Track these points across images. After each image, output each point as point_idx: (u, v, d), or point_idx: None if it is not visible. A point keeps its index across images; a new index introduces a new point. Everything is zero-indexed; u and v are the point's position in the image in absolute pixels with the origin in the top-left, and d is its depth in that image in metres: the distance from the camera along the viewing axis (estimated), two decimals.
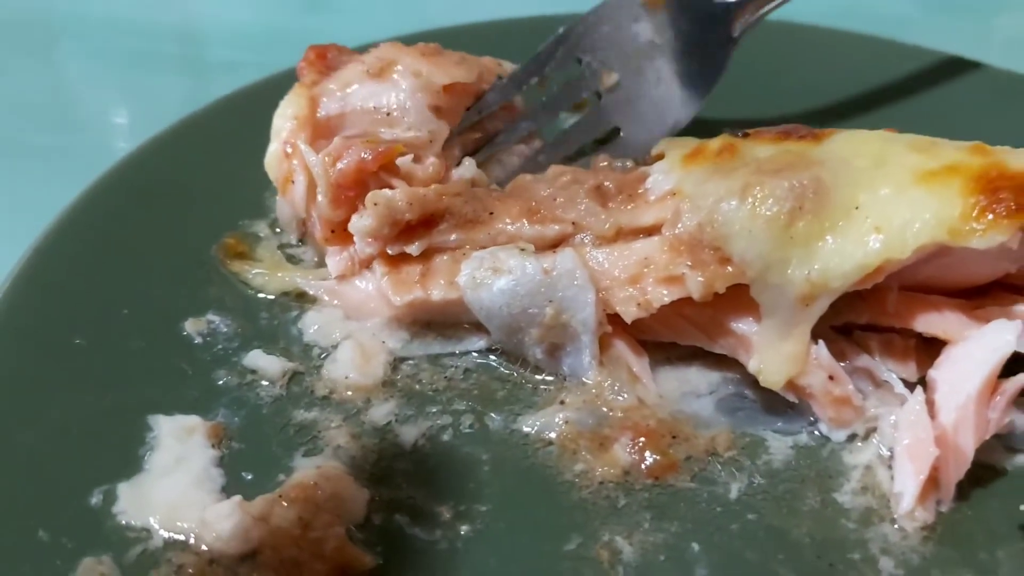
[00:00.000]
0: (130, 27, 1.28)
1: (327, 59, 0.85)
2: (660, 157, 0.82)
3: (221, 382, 0.72)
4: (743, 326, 0.72)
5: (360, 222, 0.74)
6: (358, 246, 0.75)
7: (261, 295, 0.79)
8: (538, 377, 0.74)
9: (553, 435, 0.70)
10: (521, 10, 1.07)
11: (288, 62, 1.03)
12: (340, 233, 0.78)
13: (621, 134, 0.90)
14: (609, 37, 0.89)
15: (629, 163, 0.84)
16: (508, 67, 0.88)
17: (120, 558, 0.60)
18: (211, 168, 0.87)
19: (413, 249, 0.74)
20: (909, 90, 1.02)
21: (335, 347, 0.74)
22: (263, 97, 0.91)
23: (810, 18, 1.29)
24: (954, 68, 1.03)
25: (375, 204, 0.73)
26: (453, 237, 0.75)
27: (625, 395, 0.72)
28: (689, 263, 0.71)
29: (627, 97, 0.90)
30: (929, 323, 0.73)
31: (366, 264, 0.76)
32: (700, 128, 0.95)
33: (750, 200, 0.70)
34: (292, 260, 0.82)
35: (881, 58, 1.06)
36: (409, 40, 0.88)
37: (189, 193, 0.84)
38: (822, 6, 1.24)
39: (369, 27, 1.24)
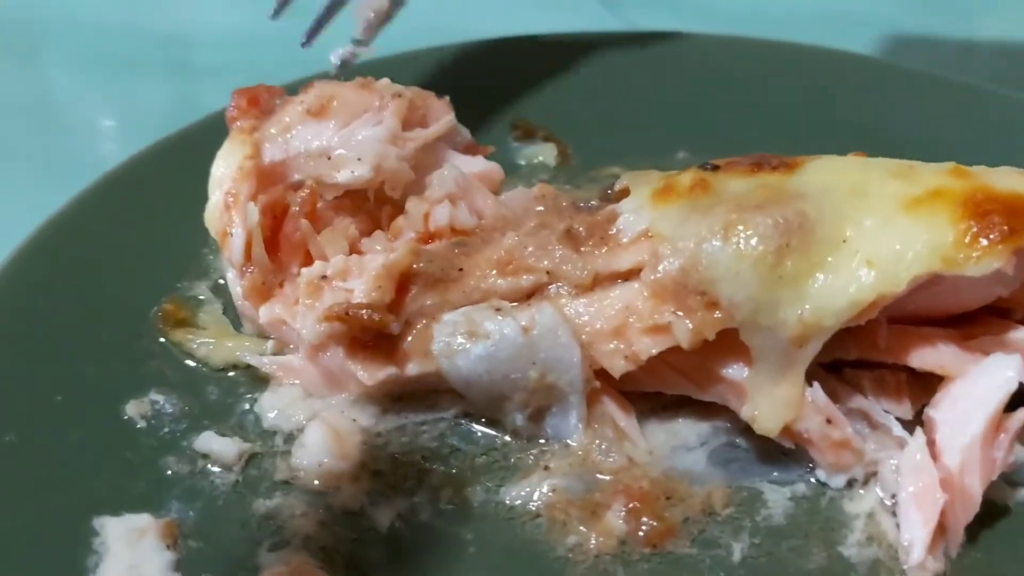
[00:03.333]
0: (116, 31, 1.25)
1: (261, 103, 0.78)
2: (624, 193, 0.77)
3: (170, 471, 0.65)
4: (733, 372, 0.68)
5: (315, 329, 0.67)
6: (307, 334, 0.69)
7: (207, 368, 0.72)
8: (518, 441, 0.69)
9: (540, 505, 0.65)
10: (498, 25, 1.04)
11: (273, 66, 1.02)
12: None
13: None
14: None
15: (593, 201, 0.79)
16: (435, 100, 0.82)
17: None
18: (139, 226, 0.80)
19: (394, 329, 0.68)
20: (865, 106, 0.99)
21: (300, 430, 0.68)
22: (189, 146, 0.85)
23: (790, 16, 1.28)
24: (911, 81, 1.01)
25: (331, 320, 0.67)
26: (428, 302, 0.69)
27: (614, 455, 0.67)
28: (674, 309, 0.67)
29: None
30: (923, 358, 0.70)
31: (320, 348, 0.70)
32: (656, 152, 0.92)
33: (734, 240, 0.66)
34: (237, 325, 0.75)
35: (833, 72, 1.03)
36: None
37: (119, 255, 0.77)
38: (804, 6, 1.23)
39: (352, 31, 1.21)
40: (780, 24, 1.22)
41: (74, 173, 0.88)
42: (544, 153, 0.95)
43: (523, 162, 0.94)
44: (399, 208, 0.77)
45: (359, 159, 0.74)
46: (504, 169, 0.84)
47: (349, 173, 0.74)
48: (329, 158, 0.75)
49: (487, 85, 0.98)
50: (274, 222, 0.74)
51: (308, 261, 0.73)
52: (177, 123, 1.07)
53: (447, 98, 0.81)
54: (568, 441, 0.68)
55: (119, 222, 0.79)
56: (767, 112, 0.98)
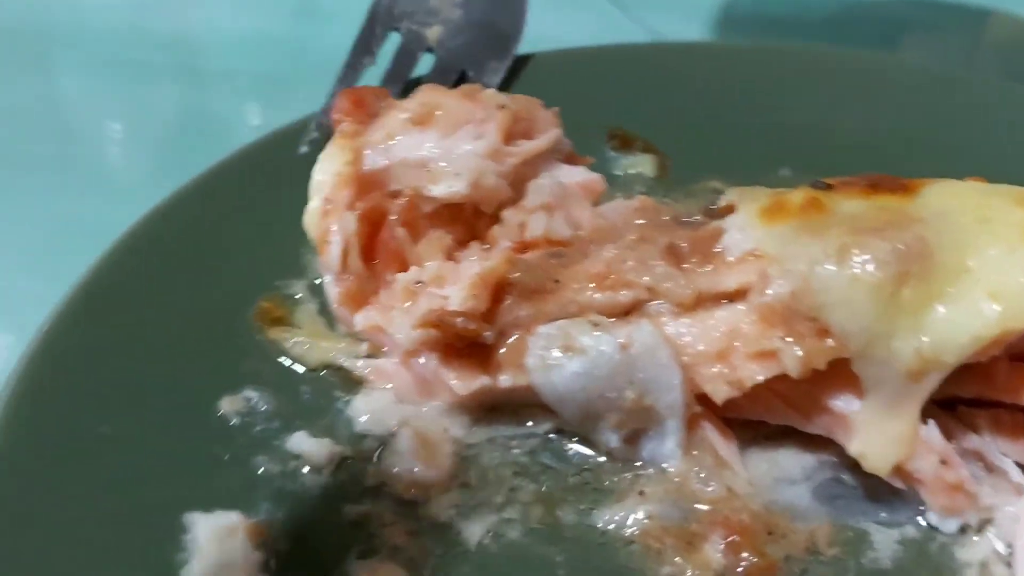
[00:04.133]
0: (124, 36, 1.25)
1: (366, 106, 0.77)
2: (730, 209, 0.74)
3: (262, 470, 0.64)
4: (842, 404, 0.65)
5: (409, 334, 0.66)
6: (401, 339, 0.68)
7: (301, 367, 0.71)
8: (612, 462, 0.67)
9: (635, 532, 0.63)
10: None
11: (282, 70, 1.06)
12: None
13: (470, 74, 0.91)
14: None
15: (696, 216, 0.77)
16: (542, 111, 0.80)
17: None
18: (240, 222, 0.79)
19: (488, 338, 0.66)
20: (980, 128, 0.95)
21: (391, 435, 0.67)
22: (293, 142, 0.85)
23: (805, 21, 1.24)
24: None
25: (425, 326, 0.66)
26: (523, 313, 0.67)
27: (713, 484, 0.65)
28: (783, 335, 0.64)
29: (461, 40, 0.91)
30: None
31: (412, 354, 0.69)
32: (758, 168, 0.89)
33: (849, 264, 0.63)
34: (333, 325, 0.75)
35: (945, 93, 0.98)
36: None
37: (219, 251, 0.77)
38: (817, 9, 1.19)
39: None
40: (794, 27, 1.18)
41: (83, 178, 0.90)
42: (642, 164, 0.93)
43: (620, 173, 0.92)
44: (497, 220, 0.76)
45: (457, 174, 0.73)
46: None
47: (446, 187, 0.73)
48: (428, 170, 0.73)
49: (585, 93, 0.96)
50: (371, 229, 0.73)
51: (404, 269, 0.72)
52: (186, 128, 1.09)
53: (556, 110, 0.79)
54: (665, 466, 0.66)
55: (220, 218, 0.79)
56: (876, 131, 0.94)
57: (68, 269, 0.79)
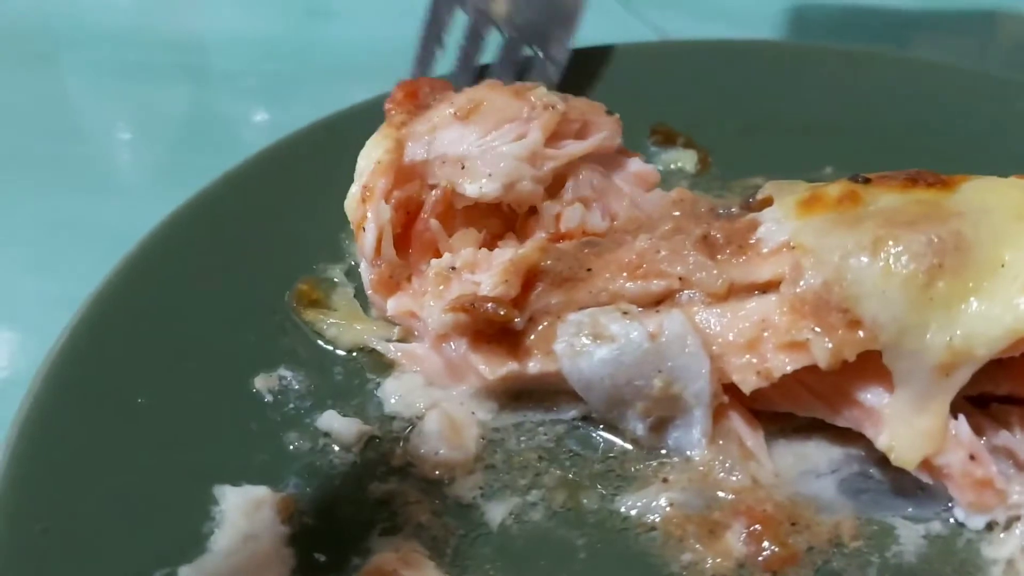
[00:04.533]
0: (130, 38, 1.27)
1: (418, 97, 0.78)
2: (767, 202, 0.74)
3: (292, 446, 0.66)
4: (871, 397, 0.64)
5: (440, 319, 0.67)
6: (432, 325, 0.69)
7: (335, 348, 0.73)
8: (637, 450, 0.67)
9: (656, 519, 0.63)
10: None
11: (289, 69, 1.07)
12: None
13: (540, 54, 0.91)
14: None
15: (734, 209, 0.76)
16: (602, 115, 0.80)
17: None
18: (281, 206, 0.81)
19: (517, 324, 0.67)
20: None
21: (419, 417, 0.68)
22: (339, 130, 0.86)
23: (815, 21, 1.23)
24: None
25: (456, 310, 0.67)
26: (554, 301, 0.68)
27: (737, 474, 0.65)
28: (813, 326, 0.64)
29: (526, 15, 0.90)
30: None
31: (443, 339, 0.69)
32: (802, 165, 0.89)
33: (883, 256, 0.63)
34: (367, 309, 0.76)
35: (993, 95, 0.96)
36: None
37: (260, 233, 0.79)
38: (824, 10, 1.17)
39: (370, 34, 1.22)
40: (796, 24, 1.17)
41: (88, 179, 0.92)
42: (684, 159, 0.93)
43: (662, 167, 0.92)
44: (535, 212, 0.76)
45: (491, 174, 0.73)
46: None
47: (478, 188, 0.73)
48: (464, 167, 0.74)
49: (629, 88, 0.96)
50: (407, 218, 0.74)
51: (438, 258, 0.73)
52: (193, 129, 1.10)
53: (617, 116, 0.78)
54: (690, 455, 0.66)
55: (262, 201, 0.80)
56: (922, 131, 0.93)
57: (74, 268, 0.81)
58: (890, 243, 0.63)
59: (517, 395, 0.70)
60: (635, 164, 0.80)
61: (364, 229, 0.73)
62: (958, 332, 0.61)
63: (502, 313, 0.67)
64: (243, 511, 0.60)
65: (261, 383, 0.69)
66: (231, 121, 1.13)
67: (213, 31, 1.30)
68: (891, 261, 0.62)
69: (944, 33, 1.28)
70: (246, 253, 0.77)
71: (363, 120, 0.83)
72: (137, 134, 1.12)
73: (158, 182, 1.02)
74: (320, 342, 0.73)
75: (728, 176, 0.91)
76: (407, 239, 0.74)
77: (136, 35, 1.27)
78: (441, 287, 0.70)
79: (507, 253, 0.71)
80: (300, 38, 1.26)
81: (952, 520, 0.64)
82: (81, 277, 0.72)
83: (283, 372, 0.70)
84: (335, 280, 0.77)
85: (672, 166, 0.92)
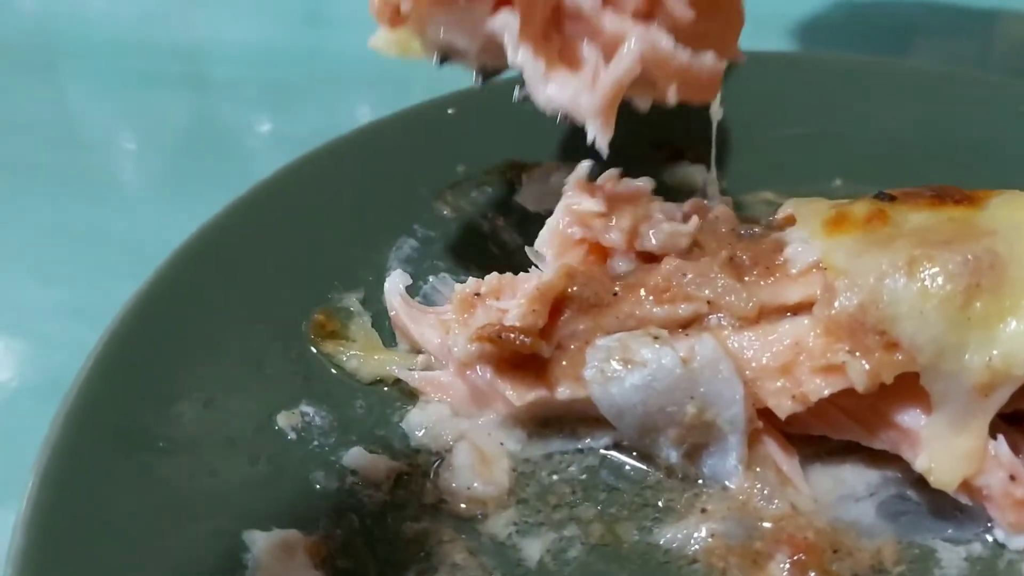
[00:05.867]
0: (132, 46, 1.26)
1: None
2: (790, 220, 0.73)
3: (319, 486, 0.64)
4: (909, 419, 0.64)
5: (466, 348, 0.66)
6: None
7: (356, 381, 0.71)
8: (672, 480, 0.66)
9: (698, 550, 0.62)
10: None
11: (291, 78, 1.08)
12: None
13: None
14: None
15: (756, 228, 0.75)
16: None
17: None
18: (292, 234, 0.79)
19: (544, 352, 0.66)
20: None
21: (447, 450, 0.66)
22: (342, 156, 0.85)
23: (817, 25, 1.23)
24: None
25: (482, 340, 0.65)
26: (581, 327, 0.66)
27: (776, 501, 0.63)
28: (849, 348, 0.63)
29: None
30: None
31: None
32: (811, 178, 0.88)
33: (919, 276, 0.62)
34: (386, 339, 0.74)
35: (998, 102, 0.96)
36: None
37: (273, 262, 0.76)
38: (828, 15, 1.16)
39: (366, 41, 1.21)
40: (797, 32, 1.17)
41: (92, 188, 0.92)
42: (693, 175, 0.92)
43: (671, 183, 0.91)
44: None
45: None
46: (652, 191, 0.81)
47: None
48: None
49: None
50: None
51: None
52: (195, 138, 1.10)
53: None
54: (726, 483, 0.65)
55: (272, 230, 0.78)
56: (931, 141, 0.93)
57: (80, 276, 0.81)
58: (926, 263, 0.62)
59: (545, 422, 0.68)
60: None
61: None
62: (996, 352, 0.61)
63: (528, 343, 0.65)
64: (275, 556, 0.58)
65: (284, 420, 0.67)
66: (233, 130, 1.13)
67: (215, 40, 1.30)
68: (928, 281, 0.62)
69: (943, 37, 1.29)
70: (258, 285, 0.74)
71: (362, 145, 0.81)
72: (141, 143, 1.11)
73: (162, 190, 1.02)
74: (339, 374, 0.71)
75: (736, 191, 0.90)
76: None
77: (137, 44, 1.26)
78: (464, 315, 0.69)
79: (532, 279, 0.69)
80: (299, 47, 1.25)
81: (992, 540, 0.63)
82: (87, 285, 0.71)
83: (305, 408, 0.68)
84: (352, 310, 0.75)
85: (682, 181, 0.91)
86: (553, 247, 0.72)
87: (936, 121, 0.94)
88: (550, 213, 0.76)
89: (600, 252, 0.71)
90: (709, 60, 0.68)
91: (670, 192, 0.88)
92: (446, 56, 0.72)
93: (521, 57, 0.65)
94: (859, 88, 0.98)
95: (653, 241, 0.70)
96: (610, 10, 0.66)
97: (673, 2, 0.66)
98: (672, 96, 0.68)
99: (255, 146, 1.06)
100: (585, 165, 0.74)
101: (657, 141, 0.93)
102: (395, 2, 0.66)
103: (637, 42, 0.65)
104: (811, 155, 0.93)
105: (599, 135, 0.66)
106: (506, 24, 0.65)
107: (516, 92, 0.70)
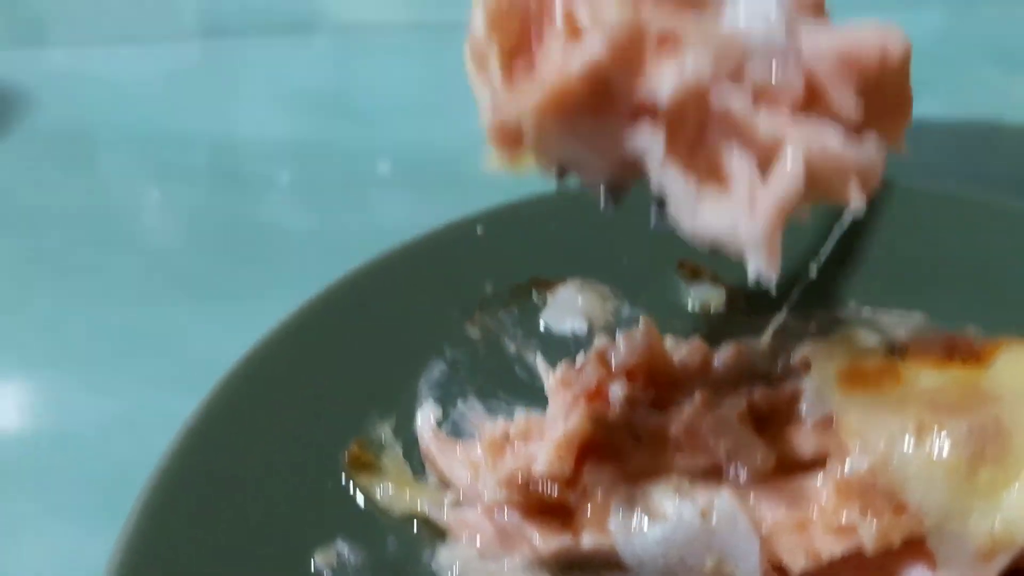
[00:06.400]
0: (167, 140, 1.29)
1: None
2: (806, 366, 0.77)
3: None
4: None
5: (495, 492, 0.69)
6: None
7: (387, 516, 0.74)
8: None
9: None
10: None
11: (319, 174, 1.12)
12: None
13: None
14: None
15: (773, 370, 0.79)
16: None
17: None
18: (327, 365, 0.82)
19: (570, 501, 0.69)
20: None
21: None
22: (376, 281, 0.88)
23: None
24: None
25: (511, 487, 0.69)
26: (605, 475, 0.70)
27: None
28: (860, 508, 0.66)
29: None
30: None
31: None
32: (825, 300, 0.91)
33: (928, 443, 0.65)
34: (417, 470, 0.77)
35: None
36: None
37: (315, 391, 0.79)
38: None
39: (398, 137, 1.26)
40: None
41: (127, 283, 0.94)
42: (713, 297, 0.95)
43: (689, 303, 0.94)
44: None
45: None
46: (670, 312, 0.85)
47: None
48: None
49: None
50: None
51: None
52: (229, 235, 1.13)
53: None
54: None
55: (308, 360, 0.81)
56: (946, 269, 0.93)
57: (117, 376, 0.85)
58: (935, 428, 0.66)
59: (568, 567, 0.71)
60: None
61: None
62: (999, 519, 0.64)
63: (556, 494, 0.68)
64: None
65: (321, 559, 0.69)
66: (265, 227, 1.15)
67: (248, 135, 1.33)
68: (935, 448, 0.65)
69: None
70: (298, 418, 0.77)
71: (398, 266, 0.85)
72: (181, 241, 1.14)
73: (195, 287, 1.04)
74: (370, 508, 0.74)
75: (751, 312, 0.93)
76: None
77: (172, 137, 1.30)
78: (493, 458, 0.72)
79: (559, 424, 0.73)
80: (335, 142, 1.29)
81: None
82: (135, 393, 0.72)
83: (340, 545, 0.71)
84: (383, 440, 0.79)
85: (702, 303, 0.94)
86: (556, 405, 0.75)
87: (955, 248, 0.93)
88: (575, 333, 0.79)
89: (604, 397, 0.75)
90: (872, 149, 0.56)
91: (690, 315, 0.92)
92: (565, 169, 0.62)
93: (668, 180, 0.55)
94: (874, 211, 0.99)
95: None
96: (763, 110, 0.55)
97: (838, 95, 0.54)
98: (857, 199, 0.56)
99: (290, 245, 1.10)
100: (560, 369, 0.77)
101: (679, 260, 0.95)
102: (514, 126, 0.57)
103: (799, 148, 0.54)
104: (825, 277, 0.96)
105: (763, 267, 0.55)
106: (650, 143, 0.55)
107: (653, 218, 0.62)
